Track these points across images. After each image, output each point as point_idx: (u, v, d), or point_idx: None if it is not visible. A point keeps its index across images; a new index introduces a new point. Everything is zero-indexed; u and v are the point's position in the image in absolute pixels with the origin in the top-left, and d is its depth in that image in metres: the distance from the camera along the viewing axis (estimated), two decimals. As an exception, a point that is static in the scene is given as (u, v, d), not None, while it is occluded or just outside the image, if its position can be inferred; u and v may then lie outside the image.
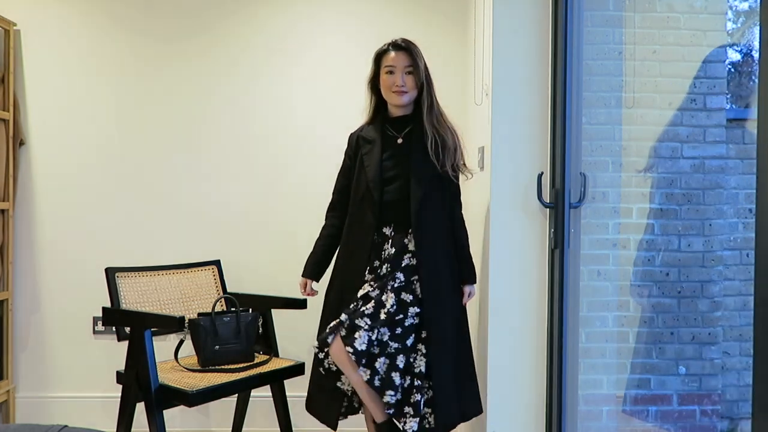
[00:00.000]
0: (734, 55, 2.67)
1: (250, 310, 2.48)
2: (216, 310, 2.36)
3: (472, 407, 2.10)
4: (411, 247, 2.05)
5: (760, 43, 1.27)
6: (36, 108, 2.85)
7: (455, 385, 2.05)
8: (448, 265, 2.08)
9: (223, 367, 2.28)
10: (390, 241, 2.07)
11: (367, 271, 2.07)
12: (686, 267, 2.37)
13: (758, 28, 1.29)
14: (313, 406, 2.15)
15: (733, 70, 2.66)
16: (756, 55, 2.51)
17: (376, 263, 2.08)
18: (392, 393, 1.91)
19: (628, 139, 2.40)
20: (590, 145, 2.34)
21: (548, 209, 2.16)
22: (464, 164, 2.14)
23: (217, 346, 2.27)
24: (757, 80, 1.27)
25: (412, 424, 1.93)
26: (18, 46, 2.83)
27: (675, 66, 2.40)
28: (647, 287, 2.40)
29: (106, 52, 2.87)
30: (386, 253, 2.07)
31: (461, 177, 2.16)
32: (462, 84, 2.86)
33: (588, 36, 2.27)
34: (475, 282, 2.17)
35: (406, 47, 2.07)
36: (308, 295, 2.24)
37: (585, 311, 2.31)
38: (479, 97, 2.43)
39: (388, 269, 2.04)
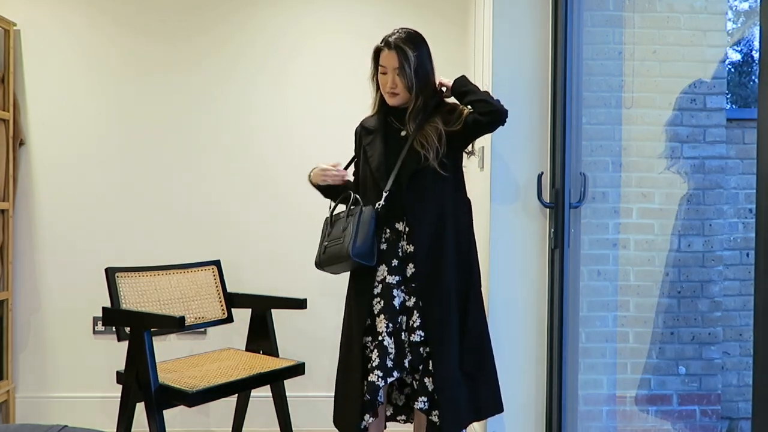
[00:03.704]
0: (734, 55, 2.67)
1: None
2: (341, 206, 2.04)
3: (487, 406, 1.98)
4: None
5: (760, 43, 1.27)
6: (36, 108, 2.86)
7: (465, 384, 1.93)
8: (450, 261, 1.94)
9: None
10: (405, 237, 1.96)
11: (386, 272, 1.95)
12: (686, 267, 2.37)
13: (758, 28, 1.29)
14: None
15: (733, 70, 2.66)
16: (756, 55, 2.51)
17: (395, 263, 1.95)
18: (379, 374, 1.92)
19: (628, 139, 2.40)
20: (590, 145, 2.34)
21: (548, 209, 2.16)
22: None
23: (326, 243, 2.00)
24: (757, 80, 1.27)
25: (420, 405, 1.91)
26: (18, 46, 2.83)
27: (675, 66, 2.40)
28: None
29: (106, 52, 2.87)
30: (402, 250, 1.96)
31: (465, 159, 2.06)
32: (462, 84, 2.85)
33: (588, 36, 2.27)
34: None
35: (395, 46, 1.93)
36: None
37: (585, 311, 2.31)
38: (479, 97, 2.43)
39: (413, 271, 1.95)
